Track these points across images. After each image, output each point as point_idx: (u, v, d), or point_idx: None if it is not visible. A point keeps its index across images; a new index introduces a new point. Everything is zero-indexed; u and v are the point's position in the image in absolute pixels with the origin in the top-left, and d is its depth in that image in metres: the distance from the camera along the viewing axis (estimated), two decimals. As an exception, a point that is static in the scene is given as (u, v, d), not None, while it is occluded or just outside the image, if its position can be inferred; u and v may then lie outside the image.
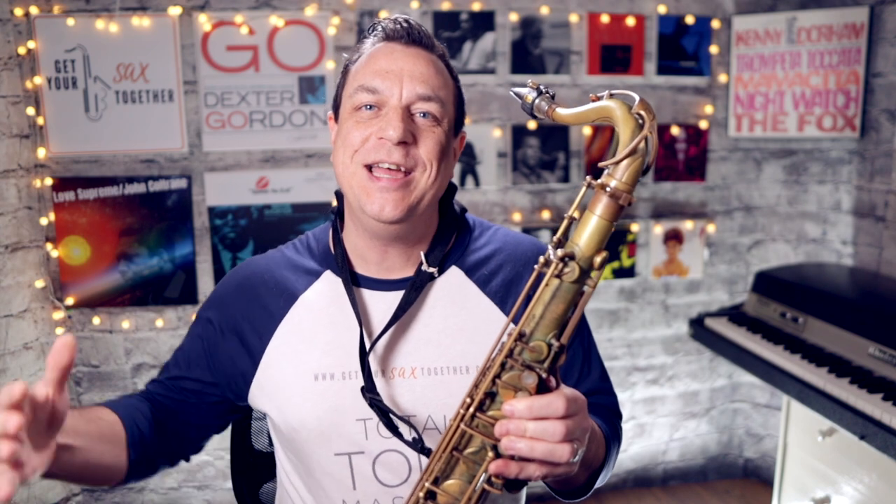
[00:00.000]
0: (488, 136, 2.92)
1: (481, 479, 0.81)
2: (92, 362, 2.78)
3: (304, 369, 1.07)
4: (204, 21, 2.66)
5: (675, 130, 3.08)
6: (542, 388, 0.81)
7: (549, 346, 0.80)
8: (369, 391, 1.02)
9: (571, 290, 0.79)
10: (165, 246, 2.75)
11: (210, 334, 1.13)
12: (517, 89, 0.89)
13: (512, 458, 0.79)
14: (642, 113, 0.76)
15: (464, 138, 1.14)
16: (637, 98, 0.77)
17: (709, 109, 3.10)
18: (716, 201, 3.19)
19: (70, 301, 2.70)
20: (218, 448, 2.89)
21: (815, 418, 2.28)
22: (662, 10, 2.99)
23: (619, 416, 1.20)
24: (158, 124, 2.69)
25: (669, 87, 3.06)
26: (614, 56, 2.98)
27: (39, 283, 2.67)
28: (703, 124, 3.11)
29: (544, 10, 2.89)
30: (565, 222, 0.80)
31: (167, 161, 2.73)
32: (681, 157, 3.11)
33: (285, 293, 1.11)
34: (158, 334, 2.80)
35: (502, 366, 0.81)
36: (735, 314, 2.70)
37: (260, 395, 1.10)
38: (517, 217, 2.99)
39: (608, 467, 1.09)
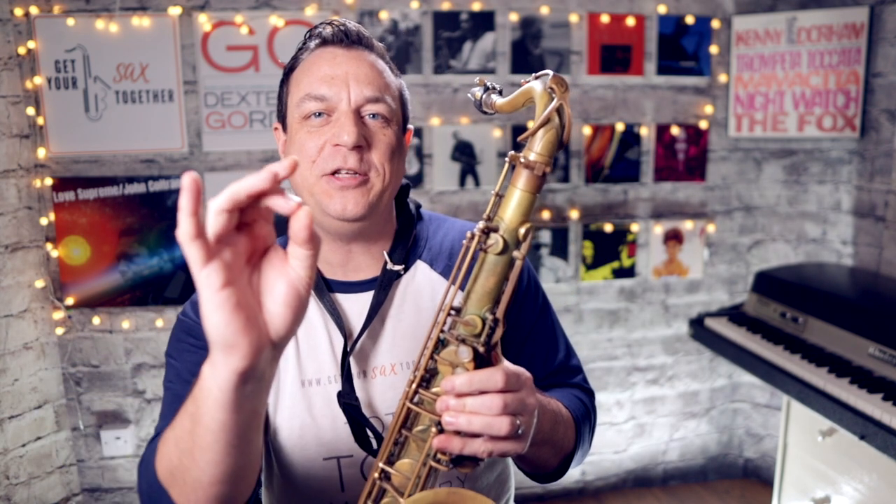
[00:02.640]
0: (488, 136, 2.92)
1: (430, 454, 0.81)
2: (92, 362, 2.78)
3: (290, 377, 1.07)
4: (204, 21, 2.66)
5: (675, 130, 3.08)
6: (482, 363, 0.81)
7: (484, 319, 0.81)
8: (345, 396, 1.03)
9: (500, 263, 0.80)
10: (165, 246, 2.75)
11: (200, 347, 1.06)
12: (473, 90, 0.91)
13: (457, 433, 0.80)
14: (554, 87, 0.78)
15: (410, 133, 1.15)
16: (550, 74, 0.79)
17: (709, 109, 3.10)
18: (716, 201, 3.19)
19: (70, 301, 2.70)
20: (218, 448, 2.88)
21: (815, 418, 2.28)
22: (662, 10, 2.99)
23: (589, 393, 1.21)
24: (158, 124, 2.69)
25: (669, 87, 3.06)
26: (614, 56, 2.98)
27: (39, 283, 2.67)
28: (703, 124, 3.11)
29: (544, 10, 2.89)
30: (492, 199, 0.82)
31: (167, 161, 2.73)
32: (681, 157, 3.11)
33: None
34: (158, 334, 2.80)
35: (440, 342, 0.83)
36: (735, 314, 2.70)
37: None
38: (517, 217, 2.98)
39: (582, 448, 1.10)
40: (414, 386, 0.85)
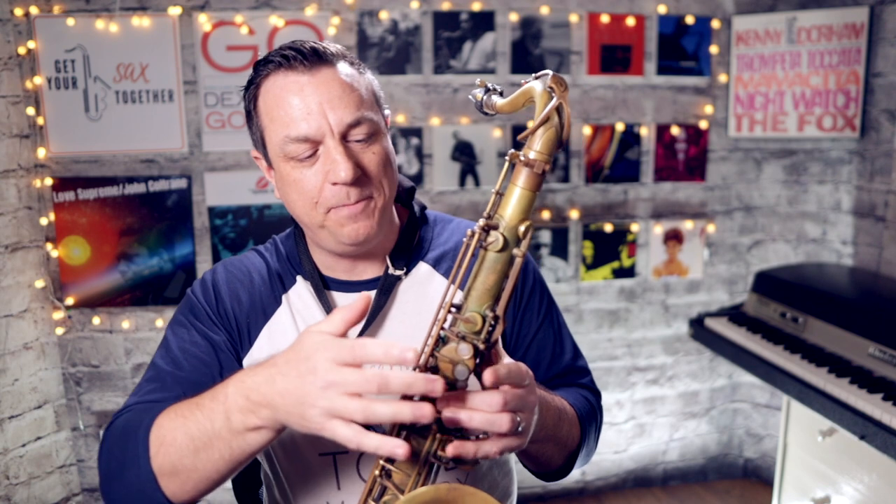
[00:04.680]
0: (488, 136, 2.92)
1: (430, 451, 0.83)
2: (92, 362, 2.78)
3: None
4: (204, 21, 2.66)
5: (675, 130, 3.08)
6: (483, 360, 0.82)
7: (484, 317, 0.81)
8: None
9: (500, 260, 0.81)
10: (165, 246, 2.75)
11: (204, 326, 1.11)
12: (473, 91, 0.91)
13: (467, 438, 0.82)
14: (553, 86, 0.79)
15: (388, 119, 1.13)
16: (550, 74, 0.80)
17: (709, 109, 3.10)
18: (716, 201, 3.19)
19: (70, 301, 2.70)
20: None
21: (815, 418, 2.28)
22: (662, 10, 2.99)
23: (596, 393, 1.22)
24: (158, 124, 2.69)
25: (669, 87, 3.06)
26: (614, 56, 2.98)
27: (39, 283, 2.67)
28: (703, 124, 3.11)
29: (544, 10, 2.89)
30: (492, 198, 0.83)
31: (167, 161, 2.73)
32: (681, 157, 3.11)
33: (270, 295, 1.13)
34: (158, 334, 2.80)
35: (441, 339, 0.83)
36: (735, 314, 2.70)
37: None
38: (517, 217, 2.98)
39: (587, 446, 1.11)
40: None
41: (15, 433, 2.60)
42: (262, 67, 1.04)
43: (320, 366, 0.76)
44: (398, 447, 0.75)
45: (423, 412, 0.75)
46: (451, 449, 0.81)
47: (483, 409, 0.79)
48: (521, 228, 0.80)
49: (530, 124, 0.85)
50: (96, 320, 2.75)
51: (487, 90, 0.89)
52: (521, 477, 1.25)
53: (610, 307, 3.17)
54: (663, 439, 3.32)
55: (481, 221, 0.81)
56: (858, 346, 2.18)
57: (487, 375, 0.80)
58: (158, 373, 1.06)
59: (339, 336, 0.79)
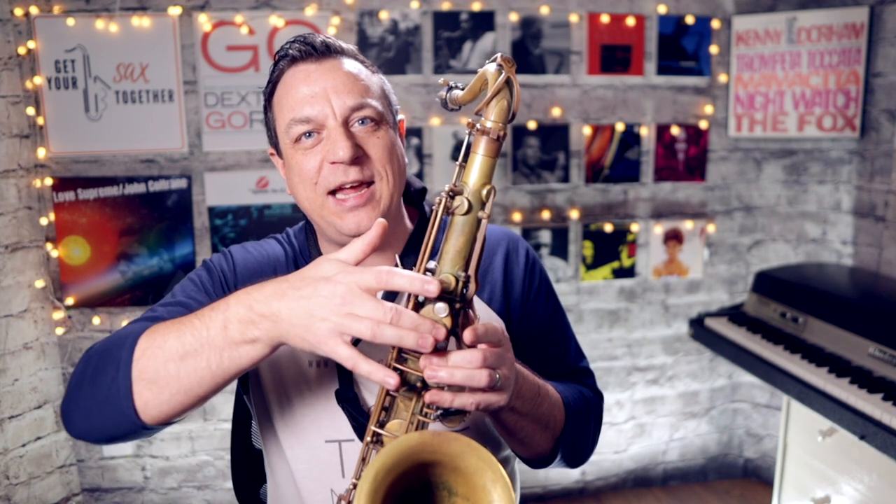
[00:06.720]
0: (488, 136, 2.92)
1: (417, 411, 0.86)
2: (92, 362, 2.78)
3: (297, 355, 1.08)
4: (204, 21, 2.66)
5: (675, 130, 3.08)
6: (458, 318, 0.85)
7: (457, 277, 0.86)
8: (342, 392, 1.05)
9: (468, 223, 0.86)
10: (165, 246, 2.75)
11: (213, 289, 1.11)
12: (439, 92, 0.96)
13: (444, 389, 0.84)
14: (502, 64, 0.86)
15: (402, 123, 1.15)
16: (499, 55, 0.88)
17: (709, 109, 3.10)
18: (716, 201, 3.19)
19: (70, 301, 2.70)
20: (218, 448, 2.88)
21: (815, 418, 2.28)
22: (662, 10, 2.99)
23: (597, 393, 1.22)
24: (158, 124, 2.69)
25: (669, 87, 3.06)
26: (614, 56, 2.98)
27: (39, 283, 2.67)
28: (703, 124, 3.11)
29: (544, 10, 2.89)
30: (457, 169, 0.89)
31: (167, 161, 2.73)
32: (681, 157, 3.11)
33: None
34: (158, 334, 2.79)
35: (419, 303, 0.87)
36: (735, 314, 2.70)
37: (254, 376, 1.13)
38: (517, 217, 2.99)
39: (577, 435, 1.11)
40: (398, 347, 0.87)
41: (15, 433, 2.60)
42: (277, 65, 1.08)
43: (342, 286, 0.79)
44: (389, 376, 0.79)
45: (426, 342, 0.79)
46: (428, 396, 0.83)
47: (463, 366, 0.82)
48: (484, 192, 0.86)
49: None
50: (96, 320, 2.75)
51: (450, 88, 0.94)
52: (522, 477, 1.26)
53: (610, 307, 3.17)
54: (663, 439, 3.32)
55: (446, 187, 0.86)
56: (858, 346, 2.18)
57: (467, 334, 0.83)
58: (155, 317, 1.05)
59: (356, 264, 0.82)
